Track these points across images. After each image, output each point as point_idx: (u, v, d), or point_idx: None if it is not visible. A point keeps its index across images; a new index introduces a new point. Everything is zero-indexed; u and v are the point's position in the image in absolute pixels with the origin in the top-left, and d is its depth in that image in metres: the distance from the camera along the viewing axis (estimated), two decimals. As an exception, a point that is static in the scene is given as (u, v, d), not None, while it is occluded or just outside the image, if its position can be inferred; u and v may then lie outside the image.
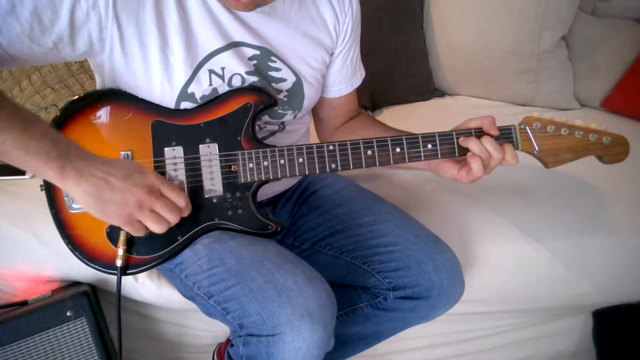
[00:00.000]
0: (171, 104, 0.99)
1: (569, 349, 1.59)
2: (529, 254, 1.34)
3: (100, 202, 0.85)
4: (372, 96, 1.82)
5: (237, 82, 1.02)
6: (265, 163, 1.00)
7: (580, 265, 1.36)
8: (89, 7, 0.86)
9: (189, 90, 0.98)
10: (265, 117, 1.09)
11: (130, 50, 0.93)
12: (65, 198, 1.00)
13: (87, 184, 0.83)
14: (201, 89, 0.99)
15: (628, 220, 1.39)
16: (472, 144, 1.00)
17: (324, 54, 1.11)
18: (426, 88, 1.89)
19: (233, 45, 0.99)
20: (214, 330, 1.40)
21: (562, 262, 1.34)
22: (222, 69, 0.99)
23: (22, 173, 1.34)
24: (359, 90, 1.26)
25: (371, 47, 1.76)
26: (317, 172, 1.01)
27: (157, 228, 0.90)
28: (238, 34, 0.99)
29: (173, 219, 0.91)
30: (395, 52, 1.81)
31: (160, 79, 0.96)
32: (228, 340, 1.32)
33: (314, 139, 1.27)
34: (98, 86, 1.06)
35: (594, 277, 1.38)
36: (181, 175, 1.00)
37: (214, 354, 1.38)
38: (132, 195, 0.86)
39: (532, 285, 1.38)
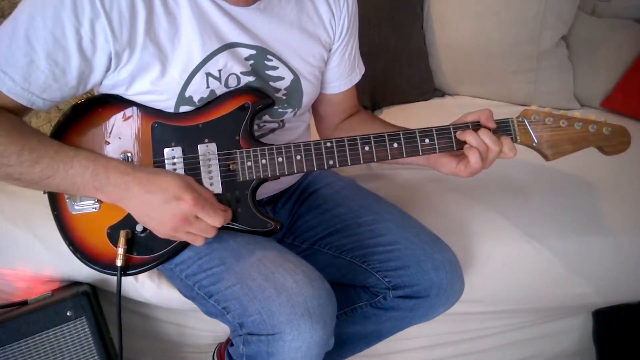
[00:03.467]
0: (170, 109, 1.00)
1: (569, 349, 1.59)
2: (529, 254, 1.34)
3: (142, 219, 0.95)
4: (372, 96, 1.82)
5: (233, 82, 1.02)
6: (264, 161, 1.00)
7: (580, 265, 1.36)
8: (89, 37, 0.88)
9: (187, 94, 0.98)
10: (266, 116, 1.09)
11: (129, 64, 0.94)
12: (67, 200, 1.00)
13: (129, 206, 0.94)
14: (199, 92, 0.99)
15: (628, 220, 1.39)
16: (469, 136, 0.99)
17: (321, 50, 1.11)
18: (426, 88, 1.89)
19: (228, 46, 0.99)
20: (214, 330, 1.40)
21: (562, 262, 1.34)
22: (219, 71, 0.99)
23: (22, 173, 1.35)
24: (359, 90, 1.26)
25: (371, 47, 1.76)
26: (315, 169, 1.01)
27: (196, 243, 0.96)
28: (233, 34, 0.99)
29: (210, 234, 0.95)
30: (395, 52, 1.81)
31: (157, 88, 0.97)
32: (228, 340, 1.32)
33: (314, 137, 1.27)
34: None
35: (594, 277, 1.38)
36: (180, 175, 1.00)
37: (214, 354, 1.38)
38: (168, 221, 0.91)
39: (532, 285, 1.38)
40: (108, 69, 0.93)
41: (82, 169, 0.89)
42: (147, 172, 0.92)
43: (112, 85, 0.98)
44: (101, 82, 0.97)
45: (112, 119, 1.00)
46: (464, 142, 1.01)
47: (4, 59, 0.87)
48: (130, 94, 0.99)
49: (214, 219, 0.92)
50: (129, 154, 1.00)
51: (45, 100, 0.91)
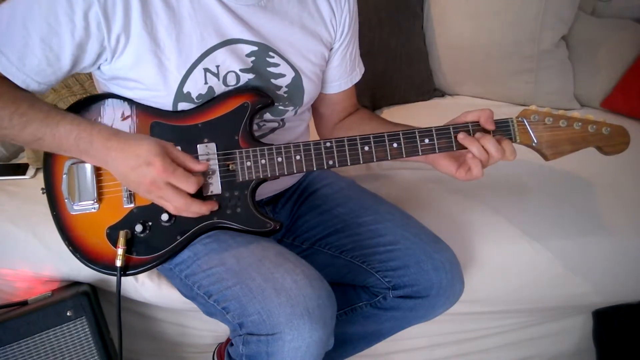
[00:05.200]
0: (168, 106, 1.00)
1: (569, 349, 1.59)
2: (529, 254, 1.34)
3: (122, 181, 0.97)
4: (372, 96, 1.82)
5: (231, 80, 1.02)
6: (263, 161, 1.00)
7: (580, 265, 1.36)
8: (82, 25, 0.89)
9: (185, 90, 0.98)
10: (267, 115, 1.09)
11: (124, 57, 0.94)
12: (66, 200, 1.00)
13: (110, 168, 0.95)
14: (197, 88, 0.99)
15: (628, 220, 1.39)
16: (472, 146, 0.98)
17: (322, 49, 1.11)
18: (426, 88, 1.89)
19: (229, 42, 0.99)
20: (214, 330, 1.40)
21: (562, 262, 1.34)
22: (217, 67, 0.99)
23: (22, 173, 1.35)
24: (360, 90, 1.26)
25: (371, 47, 1.76)
26: (315, 169, 1.01)
27: (168, 208, 0.96)
28: (234, 30, 0.99)
29: (179, 203, 0.93)
30: (395, 52, 1.81)
31: (155, 82, 0.97)
32: (228, 340, 1.32)
33: (314, 136, 1.27)
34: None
35: (594, 277, 1.38)
36: (181, 174, 1.00)
37: (214, 354, 1.38)
38: (140, 184, 0.92)
39: (532, 285, 1.38)
40: (99, 56, 0.94)
41: (66, 133, 0.91)
42: (127, 137, 0.93)
43: (110, 77, 0.99)
44: (98, 67, 0.98)
45: (110, 118, 1.01)
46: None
47: (3, 38, 0.90)
48: (128, 89, 0.99)
49: (185, 185, 0.92)
50: (128, 155, 1.00)
51: (40, 83, 0.94)
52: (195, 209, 0.95)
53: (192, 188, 0.92)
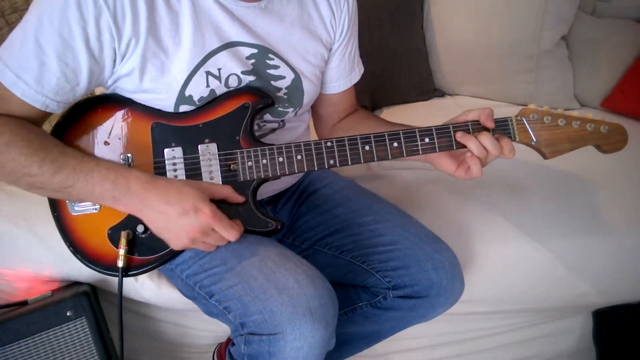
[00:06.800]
0: (170, 108, 1.00)
1: (569, 349, 1.59)
2: (529, 254, 1.34)
3: (158, 230, 0.94)
4: (372, 96, 1.83)
5: (233, 83, 1.02)
6: (264, 161, 1.00)
7: (580, 265, 1.36)
8: (95, 35, 0.89)
9: (187, 93, 0.98)
10: (267, 116, 1.09)
11: (130, 62, 0.94)
12: (67, 201, 1.00)
13: (146, 217, 0.93)
14: (198, 91, 0.99)
15: (628, 220, 1.39)
16: (470, 143, 1.00)
17: (322, 50, 1.11)
18: (426, 88, 1.89)
19: (229, 45, 0.99)
20: (214, 330, 1.40)
21: (562, 262, 1.35)
22: (219, 70, 0.99)
23: (22, 173, 1.34)
24: (359, 90, 1.26)
25: (371, 47, 1.76)
26: (316, 169, 1.01)
27: (209, 250, 0.98)
28: (235, 33, 0.99)
29: (224, 243, 0.97)
30: (395, 52, 1.81)
31: (157, 85, 0.97)
32: (228, 340, 1.32)
33: (314, 137, 1.27)
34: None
35: (594, 277, 1.38)
36: (181, 175, 1.00)
37: (214, 354, 1.38)
38: (185, 232, 0.91)
39: (532, 285, 1.38)
40: (114, 63, 0.94)
41: (101, 178, 0.90)
42: (166, 182, 0.93)
43: (112, 81, 0.98)
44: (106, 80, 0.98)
45: (111, 119, 1.00)
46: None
47: (17, 62, 0.88)
48: (130, 92, 0.99)
49: (229, 234, 0.93)
50: (129, 155, 1.00)
51: (59, 102, 0.93)
52: (236, 235, 0.96)
53: (234, 236, 0.94)
